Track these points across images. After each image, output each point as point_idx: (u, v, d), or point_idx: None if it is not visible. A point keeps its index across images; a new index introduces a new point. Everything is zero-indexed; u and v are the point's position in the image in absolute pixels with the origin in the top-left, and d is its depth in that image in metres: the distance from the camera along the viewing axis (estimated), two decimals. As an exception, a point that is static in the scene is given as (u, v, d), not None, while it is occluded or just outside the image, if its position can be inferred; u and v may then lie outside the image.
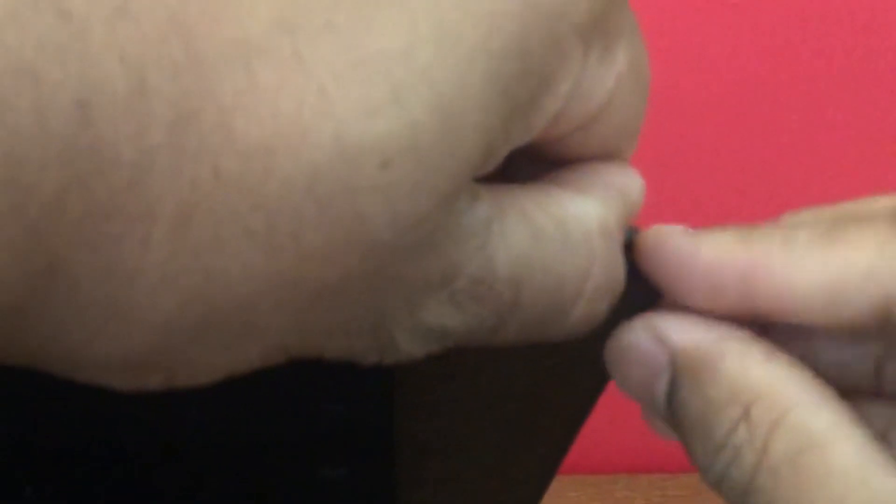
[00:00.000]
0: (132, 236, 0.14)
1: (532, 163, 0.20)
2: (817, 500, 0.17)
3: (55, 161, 0.13)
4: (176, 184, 0.14)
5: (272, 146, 0.14)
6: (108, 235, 0.14)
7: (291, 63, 0.14)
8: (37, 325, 0.15)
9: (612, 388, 0.22)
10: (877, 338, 0.19)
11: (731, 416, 0.18)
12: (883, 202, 0.19)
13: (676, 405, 0.19)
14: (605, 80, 0.18)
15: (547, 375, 0.24)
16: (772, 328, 0.20)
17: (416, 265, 0.16)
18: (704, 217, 0.54)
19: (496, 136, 0.16)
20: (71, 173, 0.13)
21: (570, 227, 0.18)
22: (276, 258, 0.15)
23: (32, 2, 0.13)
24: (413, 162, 0.15)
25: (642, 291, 0.20)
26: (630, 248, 0.20)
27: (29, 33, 0.13)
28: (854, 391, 0.19)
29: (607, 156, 0.20)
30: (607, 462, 0.51)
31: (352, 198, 0.15)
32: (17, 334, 0.15)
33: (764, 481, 0.17)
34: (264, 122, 0.14)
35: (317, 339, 0.17)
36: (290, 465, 0.27)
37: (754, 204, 0.58)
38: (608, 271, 0.19)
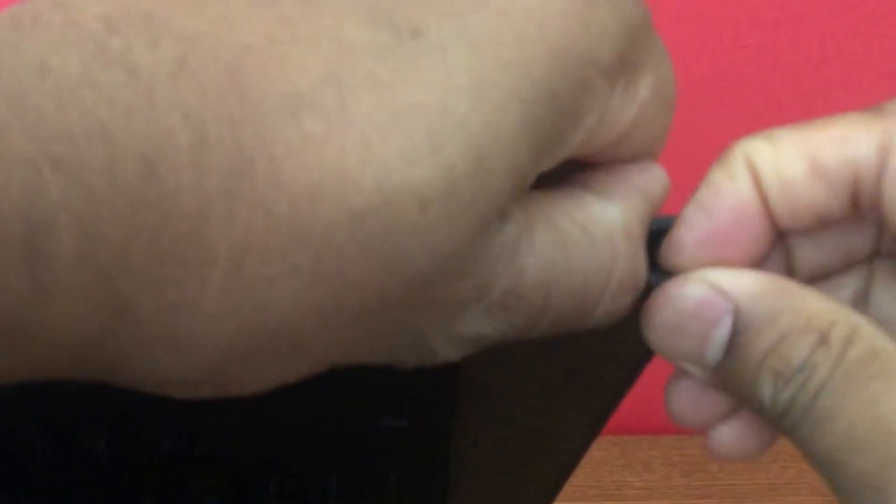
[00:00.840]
0: (192, 278, 0.15)
1: (561, 165, 0.21)
2: (885, 393, 0.18)
3: (123, 213, 0.14)
4: (231, 229, 0.15)
5: (318, 191, 0.15)
6: (170, 279, 0.15)
7: (337, 114, 0.16)
8: (105, 355, 0.16)
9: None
10: (848, 231, 0.22)
11: (809, 340, 0.19)
12: None
13: (739, 347, 0.20)
14: (629, 109, 0.19)
15: (591, 347, 0.25)
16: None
17: (451, 287, 0.17)
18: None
19: (526, 171, 0.17)
20: (137, 223, 0.15)
21: (594, 231, 0.19)
22: (320, 290, 0.16)
23: (102, 59, 0.14)
24: (449, 203, 0.16)
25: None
26: (656, 236, 0.22)
27: (102, 92, 0.14)
28: None
29: (634, 159, 0.21)
30: (632, 424, 0.53)
31: (392, 237, 0.16)
32: (87, 360, 0.16)
33: (836, 386, 0.19)
34: (311, 170, 0.15)
35: (360, 352, 0.18)
36: (354, 415, 0.28)
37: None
38: (631, 269, 0.20)
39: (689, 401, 0.22)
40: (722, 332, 0.20)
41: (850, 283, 0.23)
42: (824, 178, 0.20)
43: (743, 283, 0.20)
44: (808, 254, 0.22)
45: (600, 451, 0.52)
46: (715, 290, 0.20)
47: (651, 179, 0.21)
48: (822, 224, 0.21)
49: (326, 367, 0.18)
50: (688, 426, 0.23)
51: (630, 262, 0.20)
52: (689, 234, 0.21)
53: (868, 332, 0.19)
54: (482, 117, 0.16)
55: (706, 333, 0.20)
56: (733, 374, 0.20)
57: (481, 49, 0.16)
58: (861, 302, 0.23)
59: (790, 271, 0.23)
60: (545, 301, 0.18)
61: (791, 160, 0.20)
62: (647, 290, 0.21)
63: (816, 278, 0.23)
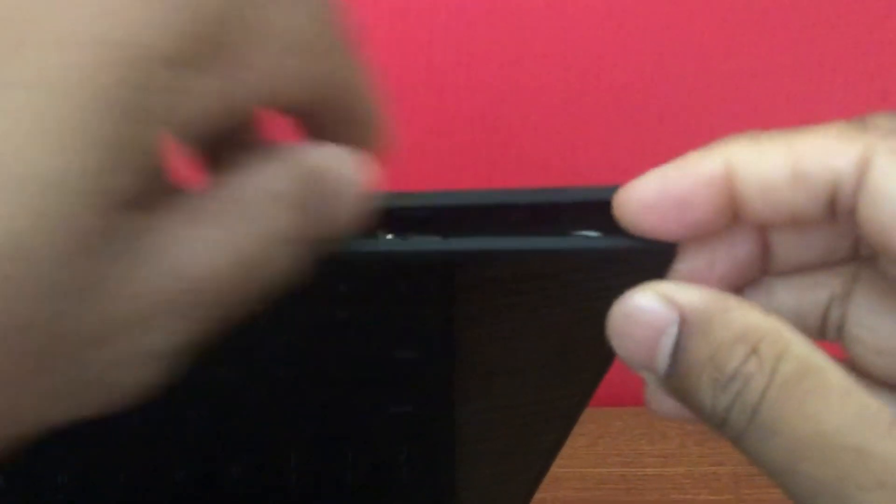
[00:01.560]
0: None
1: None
2: (820, 410, 0.19)
3: None
4: None
5: None
6: None
7: None
8: None
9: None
10: (828, 232, 0.22)
11: (741, 351, 0.20)
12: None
13: (683, 354, 0.21)
14: (245, 86, 0.18)
15: (579, 332, 0.27)
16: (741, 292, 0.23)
17: (87, 325, 0.17)
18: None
19: (101, 205, 0.16)
20: None
21: (238, 206, 0.19)
22: None
23: None
24: (17, 262, 0.15)
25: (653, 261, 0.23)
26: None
27: None
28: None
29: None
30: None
31: None
32: None
33: (773, 401, 0.20)
34: None
35: (23, 418, 0.17)
36: (366, 403, 0.31)
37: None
38: (298, 223, 0.19)
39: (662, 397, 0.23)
40: (667, 341, 0.21)
41: (829, 283, 0.23)
42: (804, 184, 0.21)
43: (688, 296, 0.21)
44: (788, 248, 0.23)
45: (620, 422, 0.54)
46: (663, 300, 0.21)
47: (311, 151, 0.20)
48: (800, 224, 0.22)
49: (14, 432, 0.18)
50: (664, 417, 0.25)
51: (292, 218, 0.19)
52: (639, 192, 0.22)
53: (800, 349, 0.20)
54: (32, 166, 0.15)
55: (654, 341, 0.21)
56: (678, 381, 0.21)
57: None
58: (840, 303, 0.23)
59: (768, 261, 0.23)
60: (215, 288, 0.18)
61: (774, 163, 0.21)
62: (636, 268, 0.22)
63: (794, 272, 0.23)
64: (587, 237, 0.23)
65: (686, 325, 0.21)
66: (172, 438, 0.31)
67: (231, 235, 0.18)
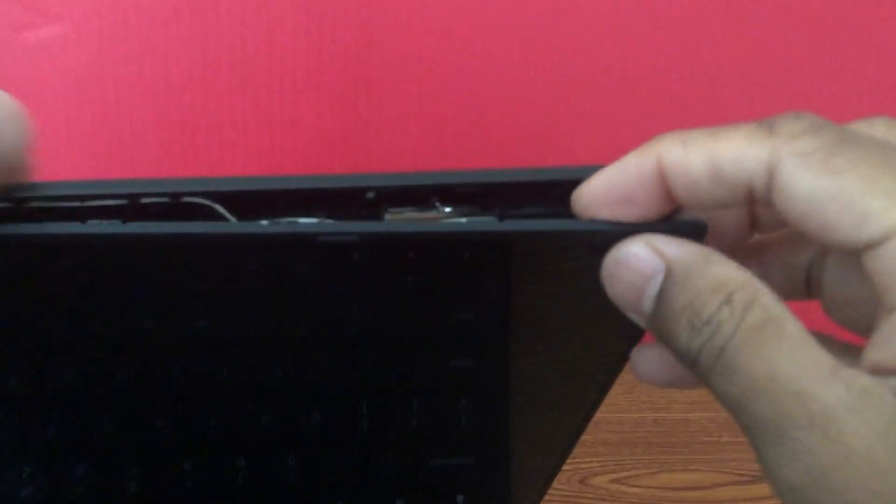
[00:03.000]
0: None
1: None
2: (773, 355, 0.21)
3: None
4: None
5: None
6: None
7: None
8: None
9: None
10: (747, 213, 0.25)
11: (716, 299, 0.22)
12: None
13: (665, 299, 0.22)
14: None
15: None
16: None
17: None
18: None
19: None
20: None
21: None
22: None
23: None
24: None
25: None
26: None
27: None
28: None
29: None
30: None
31: None
32: None
33: (738, 344, 0.21)
34: None
35: None
36: (429, 358, 0.34)
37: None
38: None
39: (647, 365, 0.26)
40: (654, 286, 0.23)
41: (809, 244, 0.25)
42: (723, 182, 0.22)
43: (673, 248, 0.23)
44: (768, 216, 0.25)
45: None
46: (652, 250, 0.23)
47: None
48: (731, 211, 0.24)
49: None
50: (648, 382, 0.27)
51: None
52: (589, 189, 0.24)
53: (766, 300, 0.22)
54: None
55: (643, 286, 0.23)
56: (660, 322, 0.23)
57: None
58: (819, 262, 0.25)
59: (756, 226, 0.26)
60: None
61: (696, 163, 0.22)
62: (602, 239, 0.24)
63: (778, 237, 0.26)
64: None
65: (670, 274, 0.23)
66: (258, 390, 0.34)
67: None
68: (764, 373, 0.21)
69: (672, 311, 0.23)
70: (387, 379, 0.35)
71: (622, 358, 0.32)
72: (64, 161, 0.52)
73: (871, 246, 0.21)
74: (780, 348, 0.21)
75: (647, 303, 0.23)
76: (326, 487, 0.38)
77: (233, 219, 0.25)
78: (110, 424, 0.34)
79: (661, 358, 0.26)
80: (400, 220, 0.25)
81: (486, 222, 0.25)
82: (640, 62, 0.55)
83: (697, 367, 0.22)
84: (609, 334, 0.31)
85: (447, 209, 0.25)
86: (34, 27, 0.50)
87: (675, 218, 0.24)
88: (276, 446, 0.36)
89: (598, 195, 0.24)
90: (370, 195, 0.25)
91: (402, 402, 0.35)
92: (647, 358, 0.26)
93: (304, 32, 0.51)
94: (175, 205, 0.24)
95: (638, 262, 0.23)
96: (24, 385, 0.32)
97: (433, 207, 0.25)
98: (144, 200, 0.24)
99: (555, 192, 0.25)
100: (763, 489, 0.49)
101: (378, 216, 0.25)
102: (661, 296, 0.23)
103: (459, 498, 0.39)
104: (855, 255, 0.22)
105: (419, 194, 0.25)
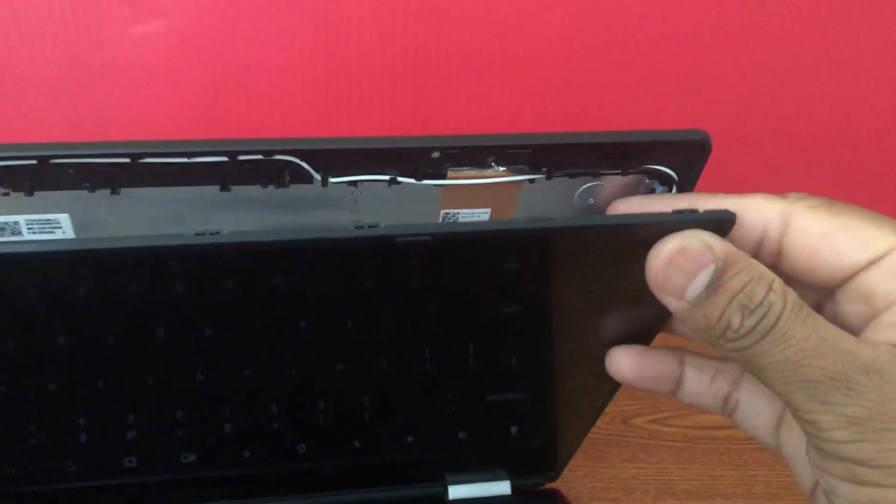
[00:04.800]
0: None
1: None
2: (819, 325, 0.26)
3: None
4: None
5: None
6: None
7: None
8: None
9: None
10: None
11: (763, 287, 0.27)
12: None
13: (719, 288, 0.26)
14: None
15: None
16: None
17: None
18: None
19: None
20: None
21: None
22: None
23: None
24: None
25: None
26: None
27: None
28: None
29: None
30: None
31: None
32: None
33: (788, 317, 0.26)
34: None
35: None
36: (482, 305, 0.37)
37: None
38: None
39: (627, 363, 0.32)
40: (705, 275, 0.27)
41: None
42: (743, 226, 0.29)
43: (722, 245, 0.27)
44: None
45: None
46: (706, 245, 0.27)
47: None
48: None
49: None
50: (622, 381, 0.34)
51: None
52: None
53: (790, 289, 0.27)
54: None
55: (694, 274, 0.27)
56: (708, 306, 0.27)
57: None
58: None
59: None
60: None
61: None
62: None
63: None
64: (661, 214, 0.28)
65: (724, 265, 0.27)
66: (334, 341, 0.37)
67: None
68: (815, 337, 0.26)
69: (723, 297, 0.27)
70: (446, 326, 0.38)
71: (659, 321, 0.34)
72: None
73: (873, 262, 0.28)
74: (818, 321, 0.27)
75: (696, 288, 0.27)
76: (397, 424, 0.42)
77: (317, 175, 0.29)
78: (206, 374, 0.38)
79: (636, 359, 0.33)
80: (461, 177, 0.29)
81: (546, 220, 0.28)
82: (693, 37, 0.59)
83: (744, 340, 0.27)
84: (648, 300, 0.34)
85: (501, 168, 0.29)
86: (140, 22, 0.54)
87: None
88: (352, 390, 0.40)
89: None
90: (435, 154, 0.29)
91: (461, 347, 0.39)
92: (625, 358, 0.33)
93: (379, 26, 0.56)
94: (267, 161, 0.28)
95: (694, 252, 0.27)
96: (122, 342, 0.36)
97: (489, 166, 0.30)
98: (241, 157, 0.28)
99: (595, 153, 0.30)
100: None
101: (441, 174, 0.30)
102: (713, 284, 0.27)
103: (513, 429, 0.43)
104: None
105: (477, 154, 0.29)
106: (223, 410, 0.40)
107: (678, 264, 0.27)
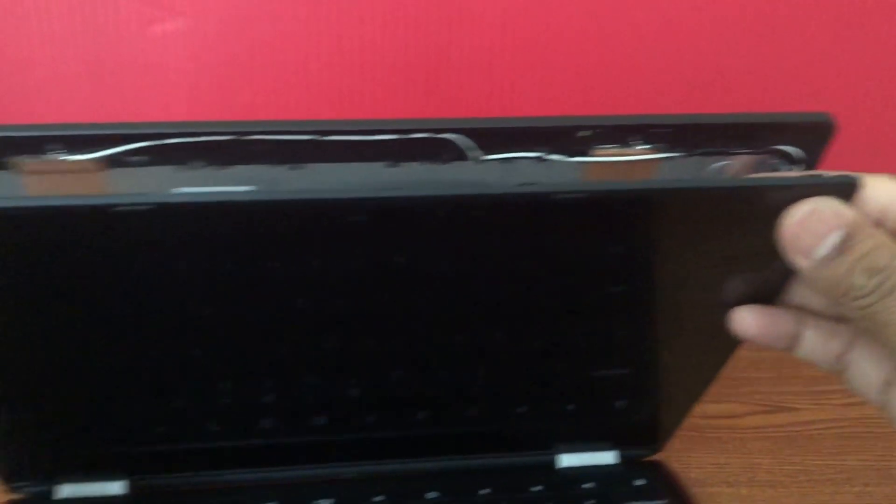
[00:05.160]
0: None
1: None
2: None
3: None
4: None
5: None
6: None
7: None
8: None
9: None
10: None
11: (886, 253, 0.29)
12: None
13: (846, 250, 0.29)
14: None
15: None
16: None
17: None
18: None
19: None
20: None
21: None
22: None
23: None
24: None
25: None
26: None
27: None
28: None
29: None
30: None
31: None
32: None
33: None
34: None
35: None
36: (591, 285, 0.39)
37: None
38: None
39: (751, 321, 0.35)
40: (834, 238, 0.29)
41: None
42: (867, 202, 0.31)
43: (850, 213, 0.30)
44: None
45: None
46: (836, 211, 0.30)
47: None
48: None
49: None
50: (746, 338, 0.36)
51: None
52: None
53: None
54: None
55: (824, 235, 0.29)
56: (835, 266, 0.29)
57: None
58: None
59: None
60: None
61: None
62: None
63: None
64: (781, 177, 0.30)
65: (854, 229, 0.29)
66: (452, 316, 0.39)
67: None
68: None
69: (849, 259, 0.29)
70: (555, 303, 0.40)
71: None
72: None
73: None
74: None
75: (822, 249, 0.29)
76: (510, 396, 0.44)
77: (476, 153, 0.31)
78: (335, 342, 0.40)
79: (761, 318, 0.35)
80: (608, 154, 0.32)
81: (684, 181, 0.31)
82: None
83: (868, 298, 0.29)
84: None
85: (644, 146, 0.32)
86: (160, 21, 0.55)
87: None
88: (470, 361, 0.42)
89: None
90: (583, 133, 0.32)
91: (569, 323, 0.41)
92: (750, 316, 0.35)
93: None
94: (431, 139, 0.31)
95: (826, 215, 0.30)
96: (277, 317, 0.38)
97: (630, 145, 0.32)
98: (412, 136, 0.31)
99: (728, 133, 0.32)
100: (781, 417, 0.56)
101: (586, 152, 0.32)
102: (842, 247, 0.29)
103: (620, 403, 0.46)
104: None
105: (621, 134, 0.32)
106: (351, 379, 0.42)
107: (810, 226, 0.30)
